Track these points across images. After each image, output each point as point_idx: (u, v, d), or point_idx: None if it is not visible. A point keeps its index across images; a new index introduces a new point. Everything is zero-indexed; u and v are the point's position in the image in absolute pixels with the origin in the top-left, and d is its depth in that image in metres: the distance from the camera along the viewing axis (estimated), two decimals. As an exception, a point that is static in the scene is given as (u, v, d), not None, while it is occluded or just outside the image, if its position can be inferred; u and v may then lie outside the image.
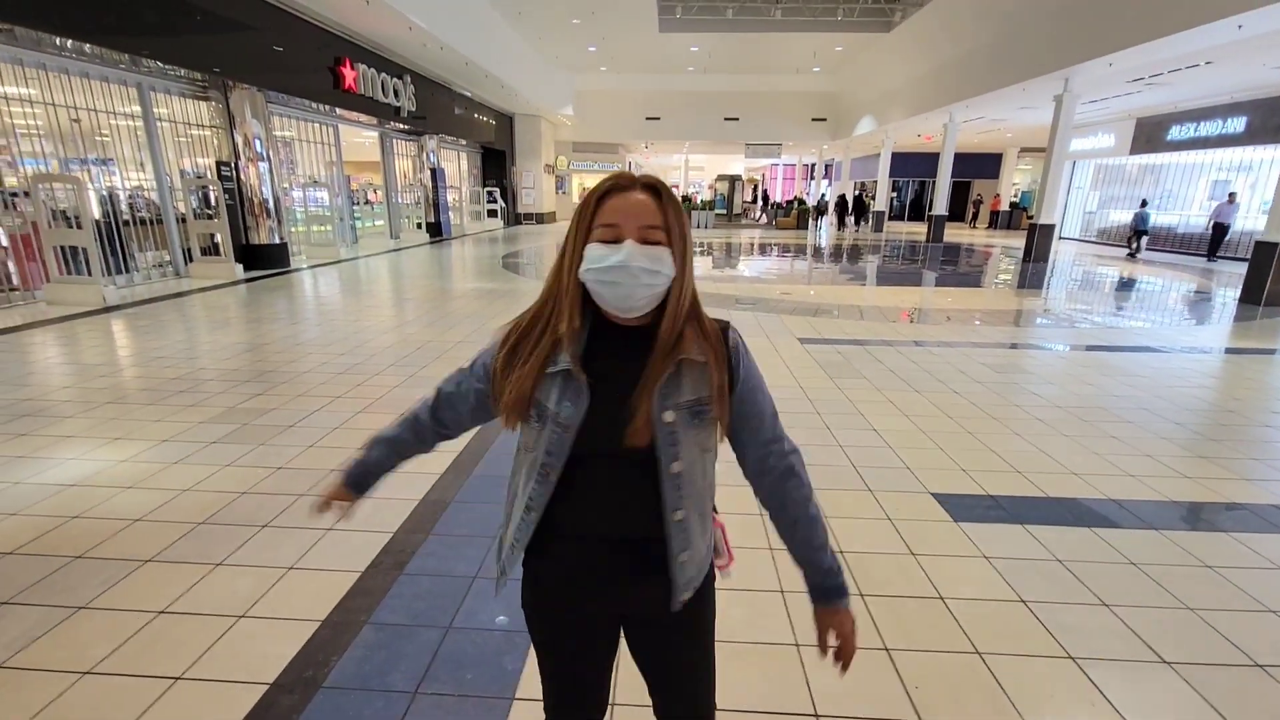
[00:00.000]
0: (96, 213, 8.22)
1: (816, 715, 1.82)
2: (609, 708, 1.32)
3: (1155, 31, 9.74)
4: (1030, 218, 15.42)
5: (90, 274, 7.30)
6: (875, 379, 5.08)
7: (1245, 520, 2.97)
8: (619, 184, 0.98)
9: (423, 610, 2.24)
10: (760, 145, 28.43)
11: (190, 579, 2.39)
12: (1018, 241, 20.01)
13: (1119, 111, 18.69)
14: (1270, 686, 1.94)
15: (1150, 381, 5.16)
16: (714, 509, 1.16)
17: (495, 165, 23.54)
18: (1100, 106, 17.39)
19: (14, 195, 7.62)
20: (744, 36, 19.07)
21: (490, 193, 22.41)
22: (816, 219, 29.46)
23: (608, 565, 1.06)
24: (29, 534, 2.66)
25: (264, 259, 10.36)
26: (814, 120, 27.17)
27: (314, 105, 12.02)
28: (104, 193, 8.58)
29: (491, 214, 22.52)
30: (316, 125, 13.02)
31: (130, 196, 8.99)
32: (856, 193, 28.61)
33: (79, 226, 7.15)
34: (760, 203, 32.18)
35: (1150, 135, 18.92)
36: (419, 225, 17.03)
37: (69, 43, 7.49)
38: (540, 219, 24.90)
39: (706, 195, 34.74)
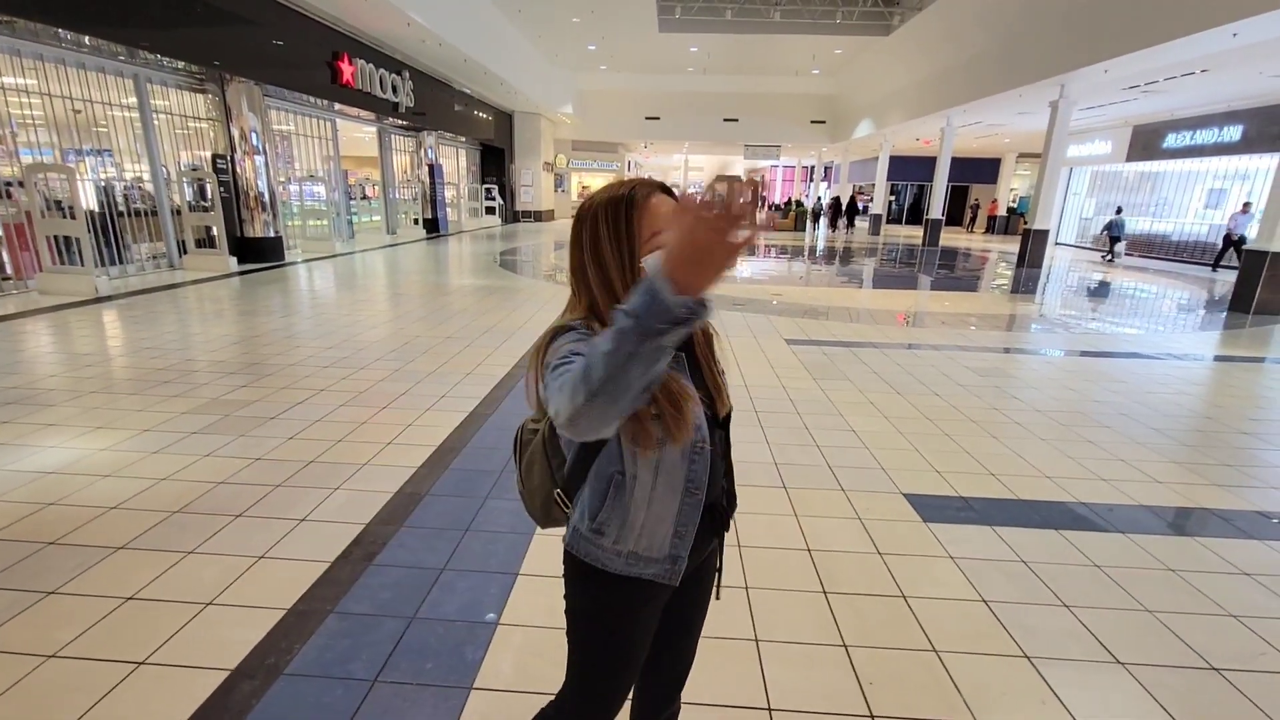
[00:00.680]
0: (92, 203, 8.23)
1: (770, 709, 1.84)
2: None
3: (1151, 39, 9.77)
4: (1026, 223, 15.47)
5: (83, 264, 7.31)
6: (859, 381, 5.11)
7: (1213, 525, 3.00)
8: (641, 193, 0.98)
9: (388, 601, 2.26)
10: (759, 147, 28.46)
11: (161, 566, 2.41)
12: (1014, 247, 20.06)
13: (1116, 118, 18.72)
14: (1223, 689, 1.97)
15: (1132, 387, 5.19)
16: None
17: (494, 162, 23.56)
18: (1097, 113, 17.43)
19: (8, 185, 7.63)
20: (743, 38, 19.10)
21: (488, 190, 22.43)
22: (814, 221, 29.49)
23: (714, 524, 1.15)
24: (3, 520, 2.68)
25: (258, 252, 10.37)
26: (813, 122, 27.20)
27: (311, 99, 12.03)
28: (100, 184, 8.59)
29: (489, 211, 22.54)
30: (314, 119, 13.03)
31: (126, 188, 9.01)
32: (850, 196, 28.69)
33: (73, 217, 7.16)
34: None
35: (1147, 142, 18.96)
36: (416, 221, 17.04)
37: (68, 34, 7.51)
38: (539, 217, 24.92)
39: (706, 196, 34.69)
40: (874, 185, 25.83)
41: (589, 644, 1.17)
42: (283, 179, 11.89)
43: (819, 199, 32.21)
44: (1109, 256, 17.50)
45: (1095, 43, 11.07)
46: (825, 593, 2.37)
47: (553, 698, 1.29)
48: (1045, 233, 14.62)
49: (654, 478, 1.03)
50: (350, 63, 11.98)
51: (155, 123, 9.13)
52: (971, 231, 29.35)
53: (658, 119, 26.53)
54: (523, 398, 4.46)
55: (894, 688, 1.93)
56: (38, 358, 5.10)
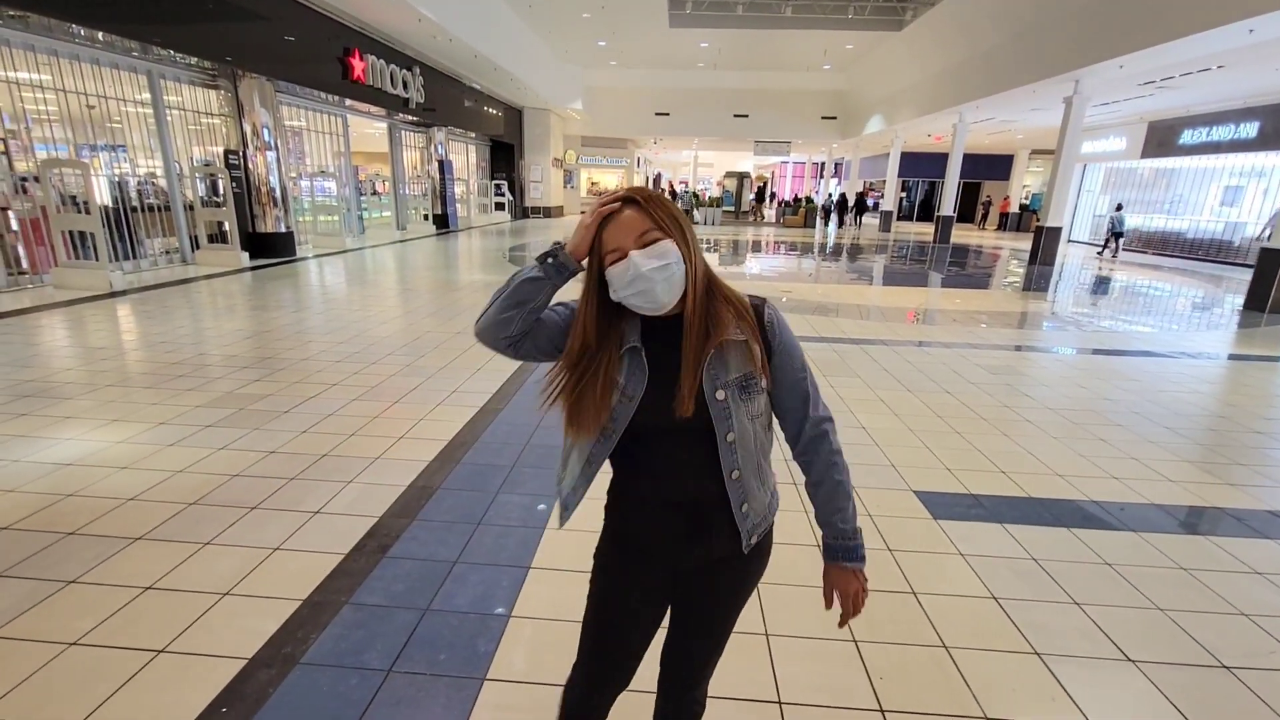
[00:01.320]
0: (106, 199, 8.32)
1: (780, 703, 1.85)
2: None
3: (1166, 34, 9.65)
4: (1039, 220, 15.34)
5: (98, 259, 7.39)
6: (869, 378, 5.10)
7: (1224, 524, 2.99)
8: (608, 212, 1.10)
9: (402, 592, 2.29)
10: (769, 143, 28.35)
11: (178, 557, 2.45)
12: (1026, 244, 19.90)
13: (1130, 114, 18.52)
14: (1234, 687, 1.96)
15: (1145, 386, 5.15)
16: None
17: (503, 158, 23.59)
18: (1111, 109, 17.25)
19: (24, 180, 7.72)
20: (754, 33, 19.00)
21: (498, 186, 22.47)
22: (825, 218, 29.38)
23: (670, 525, 1.19)
24: (24, 510, 2.73)
25: (270, 247, 10.45)
26: (823, 118, 27.05)
27: (322, 95, 12.09)
28: (114, 179, 8.67)
29: (499, 207, 22.58)
30: (325, 115, 13.10)
31: (139, 183, 9.09)
32: (858, 192, 28.55)
33: (87, 212, 7.24)
34: (757, 201, 31.99)
35: (1162, 139, 18.75)
36: (426, 217, 17.10)
37: (81, 30, 7.58)
38: (548, 213, 24.95)
39: (715, 192, 34.67)
40: (885, 181, 25.68)
41: (590, 585, 1.31)
42: (294, 175, 11.96)
43: (829, 195, 32.07)
44: (1103, 251, 17.85)
45: (1110, 38, 10.94)
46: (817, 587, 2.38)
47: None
48: (1058, 230, 14.51)
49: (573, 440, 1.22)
50: (361, 59, 12.02)
51: (169, 118, 9.20)
52: (983, 228, 29.14)
53: (667, 115, 26.47)
54: (534, 394, 4.48)
55: (904, 683, 1.94)
56: (54, 352, 5.17)
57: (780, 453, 1.33)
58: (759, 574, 1.29)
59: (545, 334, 1.17)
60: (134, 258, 8.77)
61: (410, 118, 15.37)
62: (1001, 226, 28.15)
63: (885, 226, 25.01)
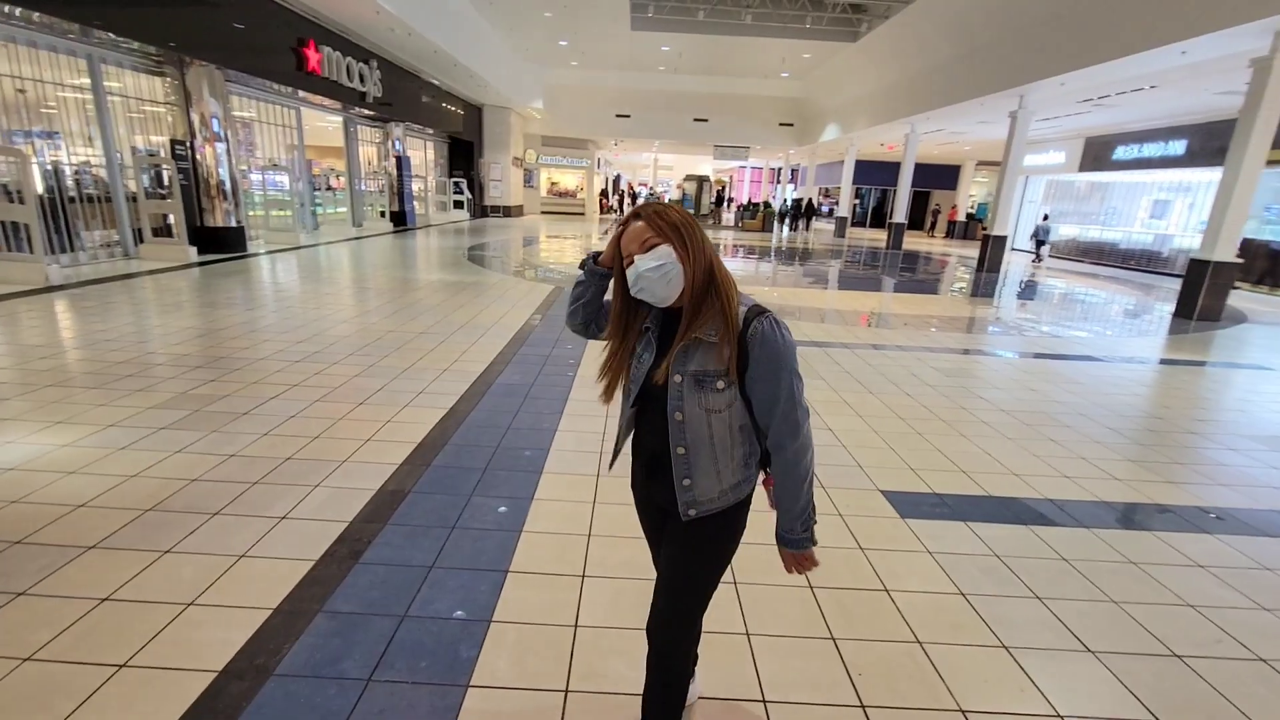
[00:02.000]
0: (40, 188, 7.85)
1: (765, 701, 1.88)
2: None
3: (1106, 54, 10.19)
4: (985, 229, 15.97)
5: (33, 251, 6.97)
6: (832, 380, 5.22)
7: (1169, 520, 3.17)
8: (624, 225, 1.35)
9: (378, 599, 2.23)
10: (728, 147, 28.70)
11: (136, 566, 2.33)
12: (972, 251, 20.71)
13: (1069, 130, 19.46)
14: (1186, 675, 2.09)
15: (1088, 389, 5.42)
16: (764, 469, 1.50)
17: (462, 156, 23.23)
18: (1053, 125, 18.09)
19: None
20: (715, 39, 19.23)
21: (456, 183, 22.11)
22: (781, 222, 29.90)
23: (644, 470, 1.48)
24: (-38, 519, 2.56)
25: (219, 242, 10.04)
26: (781, 125, 27.55)
27: (275, 86, 11.69)
28: (48, 167, 8.19)
29: (457, 205, 22.23)
30: (278, 107, 12.66)
31: (77, 172, 8.61)
32: (807, 199, 29.25)
33: (21, 201, 6.82)
34: (717, 204, 32.33)
35: (1098, 154, 19.76)
36: (382, 214, 16.70)
37: (16, 10, 7.14)
38: (507, 212, 24.68)
39: (675, 195, 34.85)
40: (839, 188, 26.30)
41: None
42: (244, 167, 11.52)
43: (785, 201, 32.67)
44: (1036, 259, 19.01)
45: (1054, 56, 11.48)
46: (811, 587, 2.43)
47: None
48: (1004, 238, 15.12)
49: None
50: (317, 50, 11.67)
51: (109, 105, 8.74)
52: (932, 236, 30.12)
53: (628, 116, 26.52)
54: (504, 396, 4.44)
55: (882, 678, 1.99)
56: (-14, 349, 4.86)
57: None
58: (703, 549, 1.44)
59: (607, 320, 1.49)
60: (72, 250, 8.30)
61: (367, 112, 14.99)
62: (949, 234, 29.17)
63: (840, 232, 25.60)
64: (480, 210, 23.93)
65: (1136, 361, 6.71)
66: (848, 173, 24.67)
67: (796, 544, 1.44)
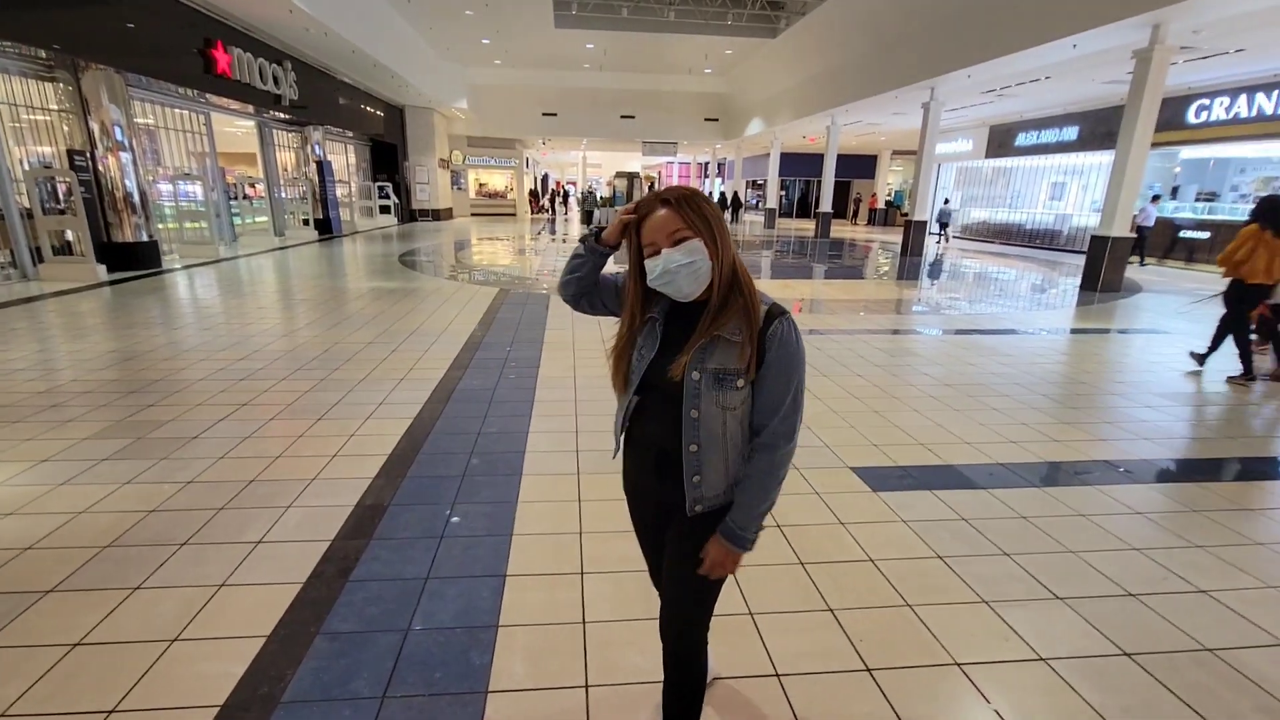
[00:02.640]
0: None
1: (778, 675, 1.96)
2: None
3: (1006, 48, 10.90)
4: (904, 215, 16.78)
5: (-87, 278, 6.31)
6: (787, 366, 5.39)
7: (1106, 474, 3.46)
8: (643, 210, 1.29)
9: (377, 615, 2.18)
10: (656, 144, 28.93)
11: (105, 606, 2.19)
12: (893, 237, 21.74)
13: (975, 119, 20.68)
14: (1141, 610, 2.30)
15: (1018, 360, 5.82)
16: None
17: (386, 159, 22.47)
18: (960, 114, 19.17)
19: None
20: (639, 36, 19.33)
21: (382, 188, 21.36)
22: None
23: (647, 462, 1.43)
24: (-110, 574, 2.32)
25: (131, 259, 9.35)
26: (707, 120, 28.00)
27: (182, 90, 10.97)
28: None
29: (384, 210, 21.48)
30: (186, 112, 11.89)
31: (-44, 188, 7.83)
32: (734, 192, 29.99)
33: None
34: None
35: (1001, 141, 21.09)
36: (306, 221, 15.96)
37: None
38: (437, 215, 24.06)
39: (605, 192, 34.83)
40: (766, 181, 26.99)
41: None
42: (151, 177, 10.76)
43: (712, 195, 33.26)
44: (940, 239, 20.71)
45: (959, 51, 12.18)
46: (802, 564, 2.53)
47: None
48: (924, 223, 15.93)
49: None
50: (226, 51, 11.02)
51: (-8, 114, 7.99)
52: (855, 223, 31.37)
53: (555, 115, 26.33)
54: (468, 401, 4.36)
55: (881, 642, 2.11)
56: (-124, 388, 4.38)
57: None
58: (704, 540, 1.38)
59: (600, 296, 1.46)
60: (-44, 275, 7.56)
61: (283, 115, 14.27)
62: (871, 221, 30.44)
63: (770, 223, 26.28)
64: (408, 214, 23.22)
65: (1056, 332, 7.24)
66: (774, 165, 25.34)
67: (741, 542, 1.36)
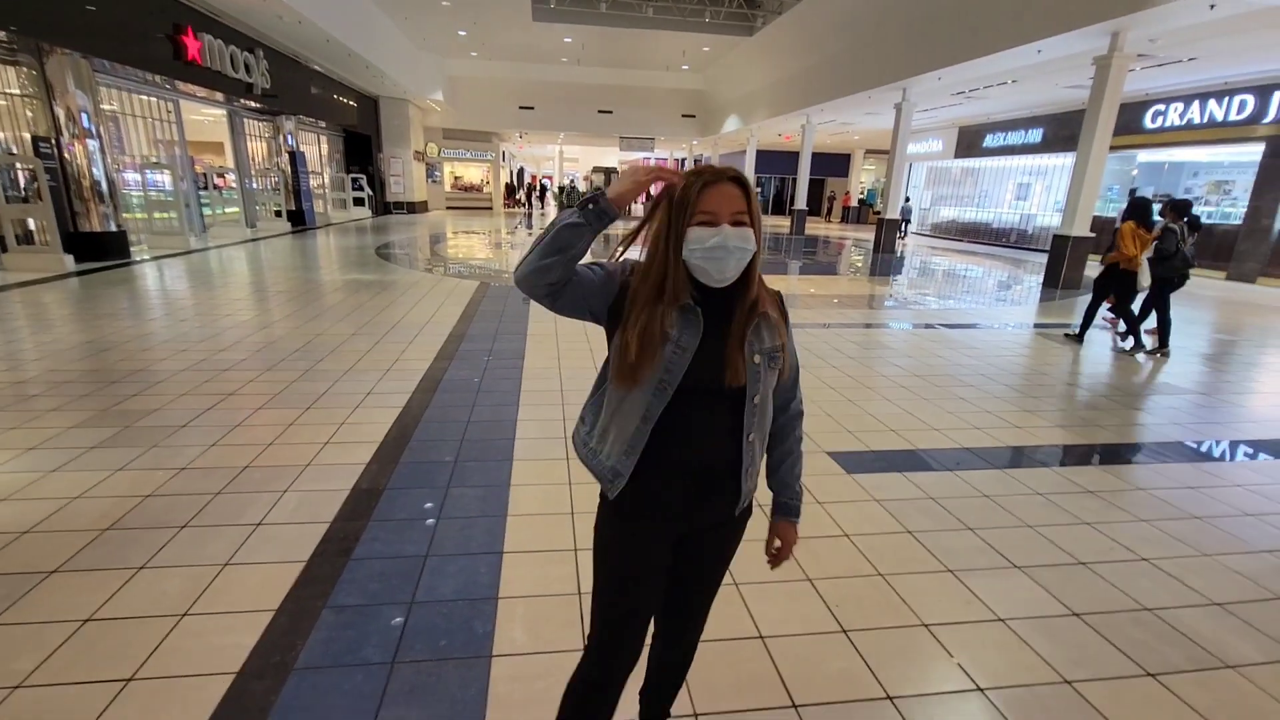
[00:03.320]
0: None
1: (761, 637, 2.11)
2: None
3: (975, 52, 11.24)
4: (877, 213, 17.16)
5: (-127, 266, 6.14)
6: (765, 358, 5.57)
7: (1061, 457, 3.70)
8: (712, 178, 1.15)
9: (380, 590, 2.28)
10: (634, 139, 29.00)
11: (111, 585, 2.25)
12: (866, 234, 22.18)
13: (946, 120, 21.17)
14: (1090, 577, 2.51)
15: (984, 353, 6.08)
16: None
17: (360, 151, 22.17)
18: (931, 115, 19.62)
19: None
20: (616, 31, 19.38)
21: (356, 180, 21.08)
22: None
23: (683, 489, 1.25)
24: (-111, 557, 2.35)
25: (98, 249, 9.16)
26: (684, 116, 28.15)
27: (151, 77, 10.74)
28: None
29: (358, 202, 21.22)
30: (154, 100, 11.64)
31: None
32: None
33: None
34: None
35: (970, 142, 21.63)
36: (279, 213, 15.71)
37: None
38: (412, 208, 23.82)
39: (583, 187, 34.79)
40: (742, 177, 27.20)
41: (596, 566, 1.34)
42: (117, 166, 10.52)
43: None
44: (901, 235, 21.32)
45: (931, 53, 12.51)
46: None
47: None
48: (896, 222, 16.30)
49: (623, 394, 1.23)
50: (196, 37, 10.81)
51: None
52: (829, 221, 31.86)
53: (532, 109, 26.22)
54: (457, 392, 4.45)
55: (856, 608, 2.28)
56: None
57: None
58: (743, 531, 1.40)
59: (581, 291, 1.20)
60: (-83, 264, 7.35)
61: (254, 104, 14.03)
62: (844, 219, 30.97)
63: (745, 220, 26.50)
64: (383, 207, 22.95)
65: (1020, 326, 7.55)
66: (750, 162, 25.59)
67: (798, 512, 1.43)
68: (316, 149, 19.33)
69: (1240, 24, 8.84)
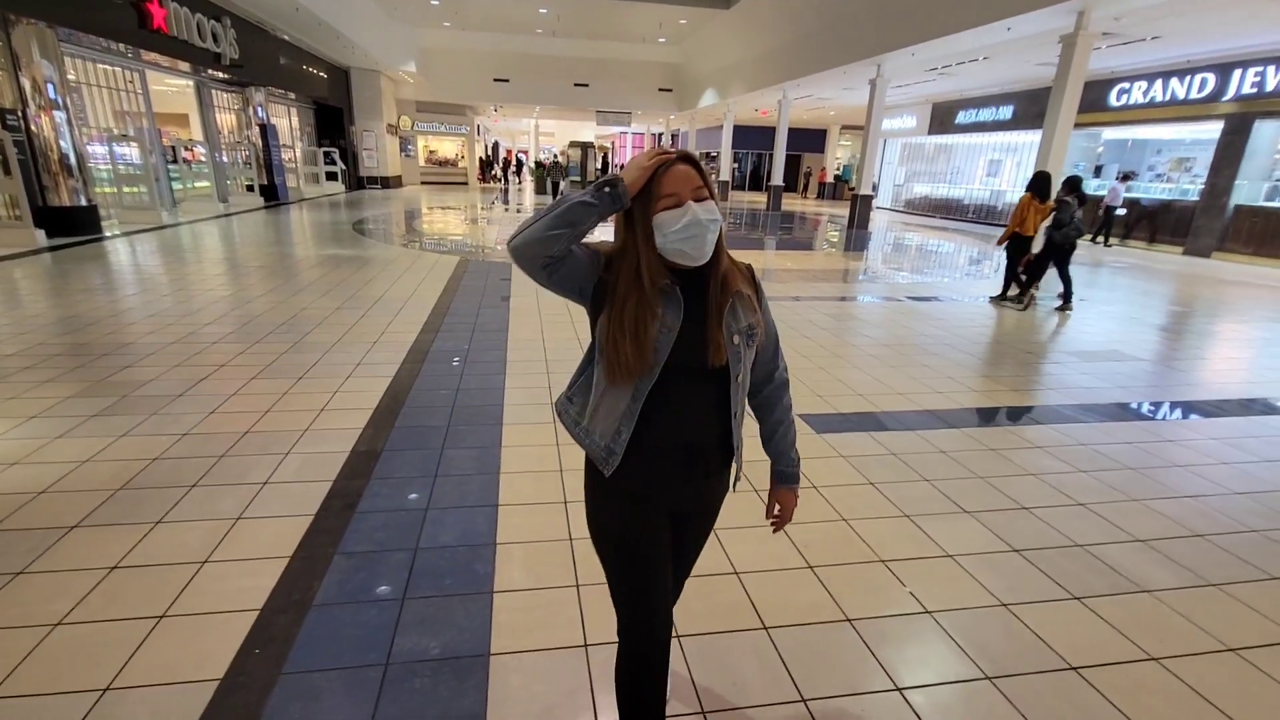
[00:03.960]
0: None
1: (736, 572, 2.35)
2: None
3: (947, 28, 11.41)
4: (852, 189, 17.40)
5: None
6: (741, 329, 5.79)
7: (1015, 417, 3.99)
8: (664, 161, 1.18)
9: (387, 539, 2.47)
10: (610, 113, 28.78)
11: (132, 537, 2.40)
12: (842, 210, 22.44)
13: (919, 96, 21.39)
14: (1031, 520, 2.79)
15: (948, 324, 6.38)
16: None
17: (332, 124, 21.72)
18: (905, 92, 19.82)
19: None
20: (592, 1, 19.15)
21: (328, 153, 20.70)
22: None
23: (673, 468, 1.29)
24: (-87, 516, 2.47)
25: (69, 224, 9.01)
26: (661, 90, 27.96)
27: (115, 46, 10.46)
28: None
29: (331, 177, 20.87)
30: (119, 70, 11.34)
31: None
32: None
33: None
34: (603, 169, 32.69)
35: (943, 118, 21.91)
36: (250, 187, 15.45)
37: None
38: (386, 183, 23.48)
39: (562, 161, 34.51)
40: (719, 153, 27.27)
41: (600, 551, 1.38)
42: (84, 138, 10.28)
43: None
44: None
45: (904, 29, 12.65)
46: (756, 491, 2.92)
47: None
48: (870, 197, 16.56)
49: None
50: (161, 5, 10.54)
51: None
52: (805, 196, 32.07)
53: (507, 81, 25.84)
54: (446, 361, 4.60)
55: (821, 548, 2.52)
56: None
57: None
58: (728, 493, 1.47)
59: (577, 268, 1.21)
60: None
61: (222, 75, 13.71)
62: (821, 195, 31.20)
63: (723, 195, 26.64)
64: (356, 182, 22.60)
65: (984, 300, 7.87)
66: (726, 137, 25.60)
67: (797, 479, 1.50)
68: (288, 122, 18.93)
69: (1201, 2, 9.14)
